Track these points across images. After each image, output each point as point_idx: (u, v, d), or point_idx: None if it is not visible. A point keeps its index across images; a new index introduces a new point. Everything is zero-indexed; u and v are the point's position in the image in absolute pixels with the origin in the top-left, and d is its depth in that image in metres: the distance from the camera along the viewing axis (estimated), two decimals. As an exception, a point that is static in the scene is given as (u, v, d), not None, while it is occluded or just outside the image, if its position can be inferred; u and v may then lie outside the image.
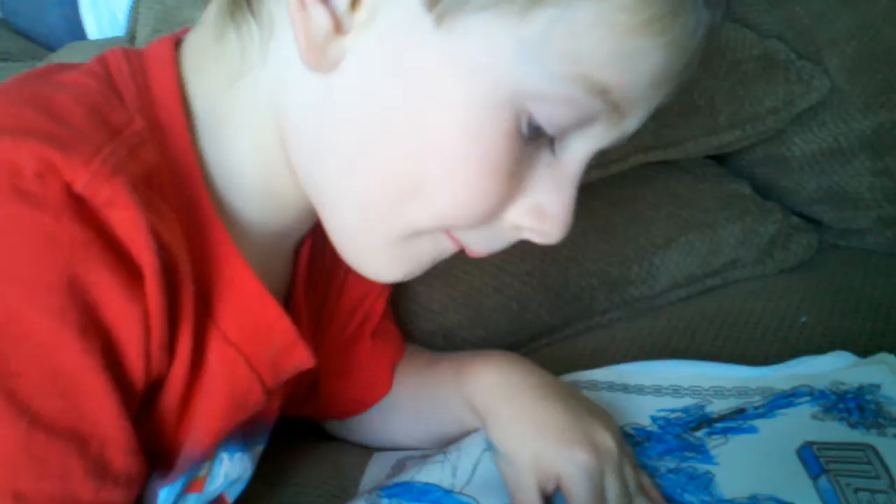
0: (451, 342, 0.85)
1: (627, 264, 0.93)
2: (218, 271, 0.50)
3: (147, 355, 0.44)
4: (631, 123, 0.49)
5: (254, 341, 0.53)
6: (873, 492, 0.61)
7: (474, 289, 0.86)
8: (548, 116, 0.46)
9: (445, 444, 0.71)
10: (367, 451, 0.74)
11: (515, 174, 0.48)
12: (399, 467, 0.72)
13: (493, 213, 0.50)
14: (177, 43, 0.54)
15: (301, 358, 0.57)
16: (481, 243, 0.53)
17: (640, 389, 0.74)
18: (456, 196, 0.48)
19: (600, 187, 0.96)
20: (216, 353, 0.50)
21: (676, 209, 0.98)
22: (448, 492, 0.66)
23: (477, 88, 0.45)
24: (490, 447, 0.66)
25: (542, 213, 0.50)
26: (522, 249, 0.88)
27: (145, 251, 0.42)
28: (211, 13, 0.53)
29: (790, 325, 0.90)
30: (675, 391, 0.73)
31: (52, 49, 1.38)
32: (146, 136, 0.47)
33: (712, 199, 1.01)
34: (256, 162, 0.52)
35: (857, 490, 0.61)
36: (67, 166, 0.41)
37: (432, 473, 0.67)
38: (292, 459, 0.72)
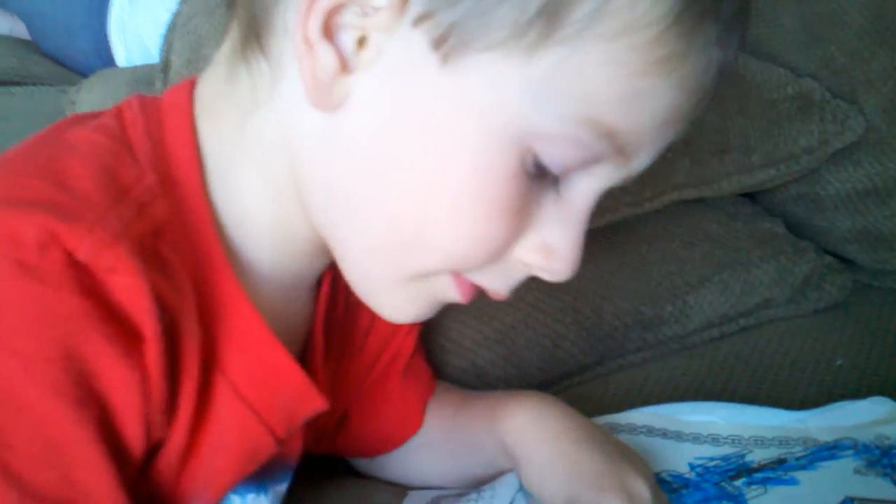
0: (482, 380, 0.83)
1: (661, 303, 0.92)
2: (227, 321, 0.50)
3: (146, 421, 0.44)
4: (637, 164, 0.48)
5: (264, 392, 0.52)
6: (917, 552, 0.59)
7: (507, 325, 0.85)
8: (553, 156, 0.45)
9: (477, 484, 0.70)
10: (400, 489, 0.73)
11: (521, 212, 0.47)
12: (435, 505, 0.70)
13: (500, 252, 0.49)
14: (194, 86, 0.54)
15: (315, 406, 0.56)
16: (494, 282, 0.52)
17: (678, 436, 0.72)
18: (462, 236, 0.47)
19: (633, 224, 0.95)
20: (224, 407, 0.50)
21: (710, 248, 0.97)
22: None
23: (483, 128, 0.44)
24: (522, 490, 0.64)
25: (549, 250, 0.49)
26: (555, 287, 0.87)
27: (146, 315, 0.43)
28: (223, 53, 0.53)
29: (826, 368, 0.88)
30: (715, 439, 0.72)
31: (81, 73, 1.38)
32: (157, 192, 0.47)
33: (746, 238, 0.99)
34: (269, 203, 0.52)
35: (900, 550, 0.60)
36: (70, 235, 0.41)
37: None
38: (320, 498, 0.70)
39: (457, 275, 0.52)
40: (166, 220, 0.47)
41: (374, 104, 0.46)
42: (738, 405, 0.77)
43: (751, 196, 1.08)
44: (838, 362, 0.89)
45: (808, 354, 0.90)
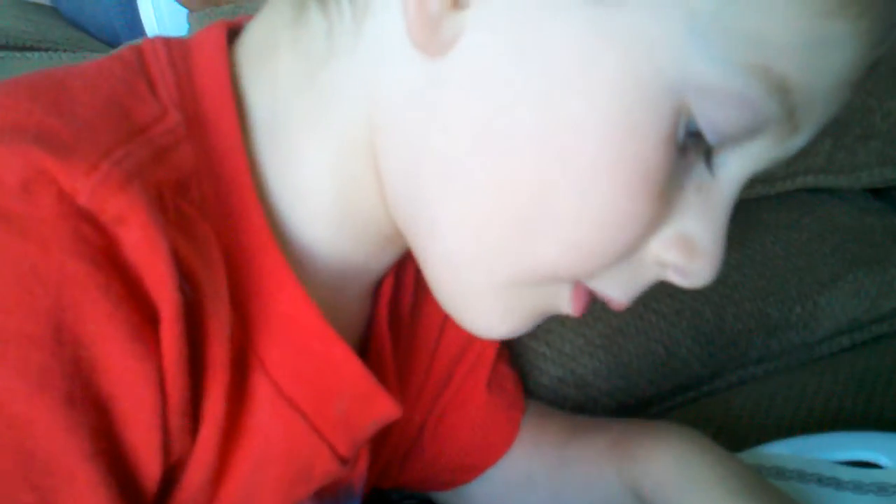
0: (583, 392, 0.70)
1: (789, 304, 0.78)
2: (269, 304, 0.40)
3: (162, 431, 0.34)
4: (800, 138, 0.39)
5: (316, 393, 0.42)
6: None
7: (614, 329, 0.72)
8: (712, 118, 0.36)
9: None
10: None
11: (666, 193, 0.38)
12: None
13: (636, 242, 0.39)
14: (233, 32, 0.44)
15: (383, 410, 0.46)
16: (617, 287, 0.42)
17: (836, 483, 0.58)
18: (594, 218, 0.38)
19: (757, 212, 0.82)
20: (266, 412, 0.40)
21: (842, 242, 0.83)
22: None
23: (632, 73, 0.35)
24: None
25: (691, 246, 0.40)
26: (672, 285, 0.74)
27: (164, 285, 0.33)
28: None
29: (985, 391, 0.73)
30: (882, 489, 0.57)
31: (107, 42, 1.26)
32: (182, 134, 0.38)
33: (881, 233, 0.86)
34: (334, 174, 0.42)
35: None
36: (65, 173, 0.32)
37: None
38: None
39: (578, 283, 0.41)
40: (192, 173, 0.38)
41: (490, 47, 0.37)
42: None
43: (876, 191, 0.95)
44: None
45: (960, 372, 0.76)
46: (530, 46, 0.36)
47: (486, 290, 0.42)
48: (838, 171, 0.83)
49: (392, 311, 0.52)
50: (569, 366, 0.70)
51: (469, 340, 0.60)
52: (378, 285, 0.51)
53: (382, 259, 0.47)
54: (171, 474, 0.37)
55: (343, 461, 0.44)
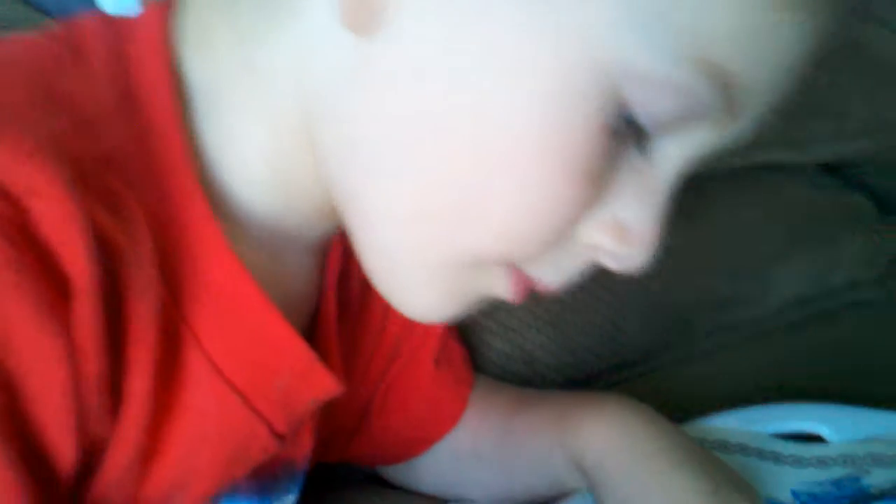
0: (530, 367, 0.70)
1: (738, 279, 0.79)
2: (203, 277, 0.39)
3: (78, 408, 0.33)
4: (743, 125, 0.38)
5: (254, 370, 0.41)
6: None
7: (562, 305, 0.71)
8: (648, 108, 0.35)
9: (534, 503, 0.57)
10: (439, 503, 0.60)
11: (598, 177, 0.37)
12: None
13: (568, 227, 0.38)
14: (173, 9, 0.42)
15: (324, 388, 0.45)
16: (552, 273, 0.41)
17: (776, 457, 0.58)
18: (525, 205, 0.37)
19: (708, 188, 0.81)
20: (201, 389, 0.39)
21: (793, 218, 0.84)
22: None
23: (564, 62, 0.34)
24: None
25: (623, 230, 0.38)
26: None
27: (78, 258, 0.32)
28: None
29: (929, 362, 0.74)
30: (822, 462, 0.57)
31: (53, 16, 1.24)
32: (111, 109, 0.37)
33: (831, 210, 0.87)
34: (269, 151, 0.41)
35: None
36: None
37: None
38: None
39: (511, 266, 0.40)
40: (121, 146, 0.36)
41: (422, 27, 0.35)
42: (842, 407, 0.64)
43: (830, 168, 0.95)
44: (943, 357, 0.76)
45: (905, 344, 0.77)
46: (461, 32, 0.35)
47: (421, 276, 0.41)
48: (789, 147, 0.83)
49: (342, 285, 0.51)
50: (516, 341, 0.69)
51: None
52: (326, 259, 0.50)
53: (318, 227, 0.46)
54: (93, 458, 0.36)
55: (281, 438, 0.43)
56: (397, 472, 0.64)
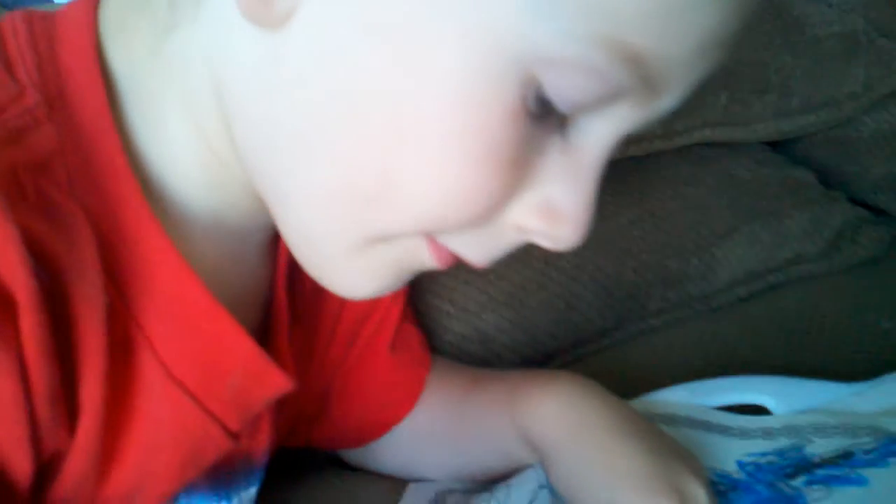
0: (487, 347, 0.70)
1: (686, 257, 0.79)
2: (153, 281, 0.38)
3: (30, 420, 0.32)
4: (666, 102, 0.37)
5: (206, 372, 0.41)
6: None
7: (516, 286, 0.71)
8: (561, 90, 0.34)
9: (489, 479, 0.58)
10: (398, 483, 0.60)
11: (519, 162, 0.36)
12: (439, 502, 0.58)
13: (489, 213, 0.37)
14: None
15: (276, 386, 0.44)
16: (475, 250, 0.40)
17: (723, 430, 0.59)
18: (443, 191, 0.36)
19: (656, 168, 0.82)
20: (155, 394, 0.38)
21: (739, 196, 0.84)
22: None
23: (473, 49, 0.33)
24: (550, 490, 0.52)
25: (553, 211, 0.38)
26: None
27: (16, 271, 0.31)
28: None
29: (872, 334, 0.76)
30: (767, 433, 0.59)
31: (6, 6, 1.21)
32: (41, 114, 0.36)
33: (776, 186, 0.87)
34: (196, 145, 0.40)
35: None
36: None
37: None
38: (303, 496, 0.57)
39: (431, 237, 0.40)
40: (55, 152, 0.36)
41: (326, 20, 0.34)
42: (786, 378, 0.66)
43: (774, 144, 0.95)
44: (883, 325, 0.77)
45: (849, 317, 0.79)
46: (368, 20, 0.34)
47: (344, 255, 0.40)
48: (734, 125, 0.83)
49: (294, 277, 0.51)
50: (473, 323, 0.70)
51: (374, 304, 0.59)
52: (276, 253, 0.50)
53: (260, 221, 0.45)
54: (51, 465, 0.35)
55: (236, 437, 0.43)
56: (358, 455, 0.64)
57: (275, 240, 0.49)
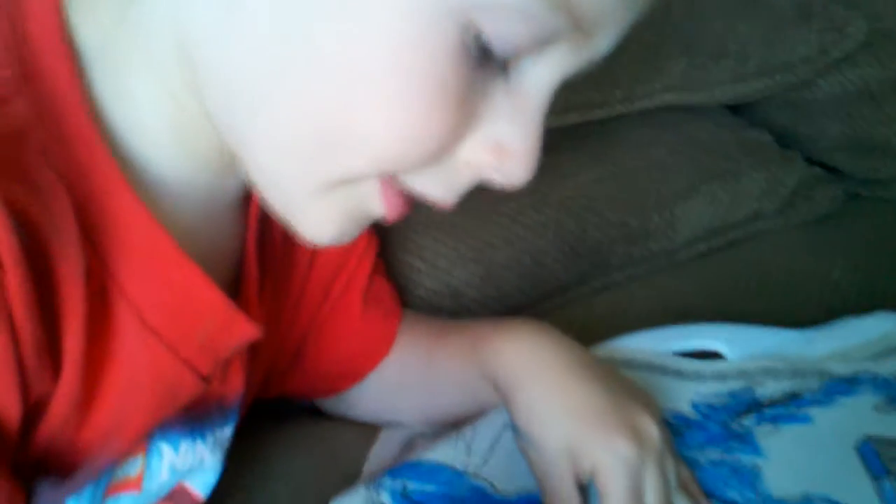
0: (457, 302, 0.73)
1: (648, 214, 0.82)
2: (124, 239, 0.40)
3: (19, 368, 0.34)
4: (600, 45, 0.39)
5: (178, 321, 0.43)
6: (944, 502, 0.51)
7: (484, 243, 0.74)
8: (498, 33, 0.36)
9: (459, 424, 0.61)
10: (371, 429, 0.63)
11: (466, 102, 0.38)
12: (409, 447, 0.61)
13: (441, 151, 0.39)
14: None
15: (243, 335, 0.47)
16: (436, 188, 0.42)
17: (678, 374, 0.63)
18: (394, 131, 0.38)
19: (618, 130, 0.85)
20: (130, 340, 0.41)
21: (698, 156, 0.87)
22: (460, 473, 0.56)
23: None
24: (513, 429, 0.55)
25: (501, 148, 0.40)
26: (537, 199, 0.78)
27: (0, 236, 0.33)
28: None
29: (823, 284, 0.81)
30: (720, 376, 0.62)
31: None
32: (13, 88, 0.37)
33: (734, 147, 0.90)
34: (164, 106, 0.42)
35: (925, 499, 0.52)
36: None
37: (443, 452, 0.57)
38: (284, 446, 0.60)
39: (386, 182, 0.42)
40: (28, 123, 0.37)
41: None
42: (740, 326, 0.69)
43: (733, 108, 0.99)
44: (834, 276, 0.81)
45: (803, 269, 0.83)
46: None
47: (308, 198, 0.42)
48: (693, 90, 0.85)
49: (264, 231, 0.53)
50: (443, 278, 0.72)
51: (345, 258, 0.62)
52: (247, 212, 0.51)
53: (230, 180, 0.47)
54: (36, 409, 0.38)
55: (207, 380, 0.45)
56: (333, 404, 0.67)
57: (246, 199, 0.51)
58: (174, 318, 0.42)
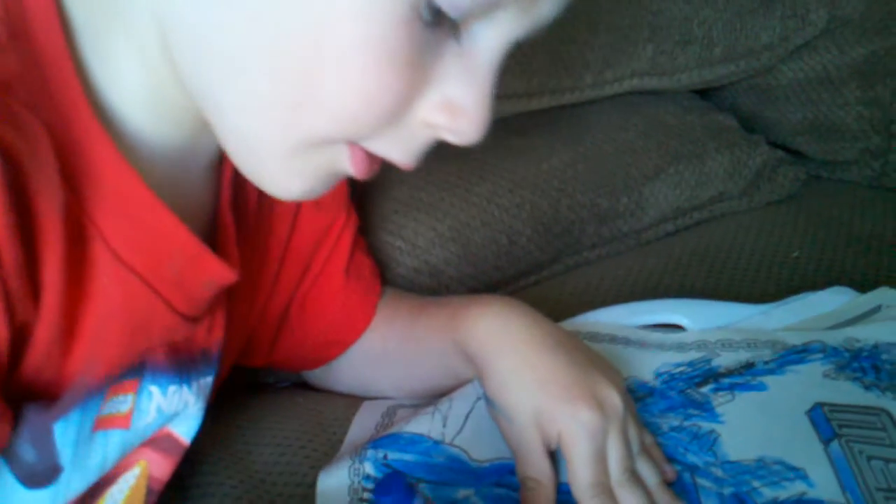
0: (437, 280, 0.76)
1: (617, 195, 0.85)
2: (101, 183, 0.42)
3: (3, 291, 0.36)
4: (545, 10, 0.41)
5: (150, 257, 0.45)
6: (887, 461, 0.54)
7: (462, 223, 0.77)
8: None
9: (437, 394, 0.64)
10: (354, 400, 0.66)
11: (417, 64, 0.40)
12: (390, 415, 0.64)
13: (396, 111, 0.41)
14: None
15: (214, 272, 0.49)
16: (395, 149, 0.45)
17: (641, 344, 0.66)
18: (352, 92, 0.40)
19: (588, 114, 0.88)
20: (106, 275, 0.43)
21: (665, 139, 0.90)
22: (437, 443, 0.59)
23: None
24: (486, 400, 0.58)
25: (454, 107, 0.42)
26: (512, 181, 0.81)
27: None
28: None
29: (783, 261, 0.83)
30: (680, 346, 0.65)
31: None
32: (5, 44, 0.39)
33: (700, 131, 0.93)
34: (141, 72, 0.44)
35: (870, 458, 0.55)
36: None
37: (421, 424, 0.60)
38: (271, 414, 0.63)
39: (353, 144, 0.44)
40: (16, 75, 0.39)
41: None
42: (702, 301, 0.72)
43: (700, 91, 1.02)
44: (794, 254, 0.84)
45: (764, 248, 0.86)
46: None
47: (275, 158, 0.43)
48: (661, 75, 0.89)
49: (237, 192, 0.55)
50: (422, 257, 0.75)
51: (324, 233, 0.64)
52: (220, 175, 0.54)
53: (203, 142, 0.49)
54: (21, 337, 0.39)
55: (184, 318, 0.48)
56: (318, 377, 0.70)
57: (219, 164, 0.53)
58: (146, 254, 0.45)
